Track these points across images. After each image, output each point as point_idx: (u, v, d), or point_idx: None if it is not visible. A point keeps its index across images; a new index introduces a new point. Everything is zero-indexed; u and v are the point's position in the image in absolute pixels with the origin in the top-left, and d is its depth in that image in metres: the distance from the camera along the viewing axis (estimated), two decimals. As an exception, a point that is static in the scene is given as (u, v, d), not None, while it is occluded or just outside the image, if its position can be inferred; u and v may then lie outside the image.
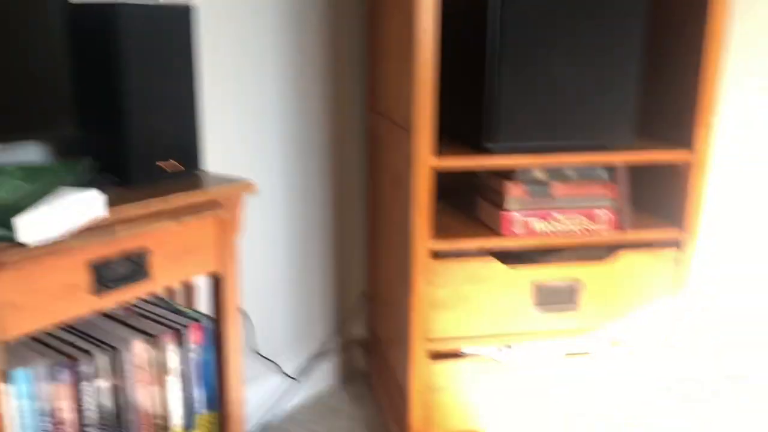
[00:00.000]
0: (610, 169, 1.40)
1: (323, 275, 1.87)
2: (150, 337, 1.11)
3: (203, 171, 1.21)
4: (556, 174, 1.37)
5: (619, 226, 1.42)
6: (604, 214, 1.40)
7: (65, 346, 1.05)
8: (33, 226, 0.85)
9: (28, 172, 0.99)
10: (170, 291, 1.33)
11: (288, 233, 1.75)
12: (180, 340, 1.15)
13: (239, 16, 1.53)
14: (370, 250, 1.85)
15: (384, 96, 1.61)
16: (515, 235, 1.38)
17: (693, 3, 1.40)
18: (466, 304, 1.41)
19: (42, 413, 0.98)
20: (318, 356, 1.90)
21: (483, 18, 1.31)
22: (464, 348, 1.46)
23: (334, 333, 1.94)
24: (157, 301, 1.27)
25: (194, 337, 1.17)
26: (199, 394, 1.21)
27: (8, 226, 0.83)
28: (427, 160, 1.32)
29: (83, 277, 0.96)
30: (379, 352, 1.80)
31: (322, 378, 1.93)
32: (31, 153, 1.19)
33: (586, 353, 1.50)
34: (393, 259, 1.58)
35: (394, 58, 1.48)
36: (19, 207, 0.85)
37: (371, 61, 1.72)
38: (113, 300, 1.01)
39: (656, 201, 1.55)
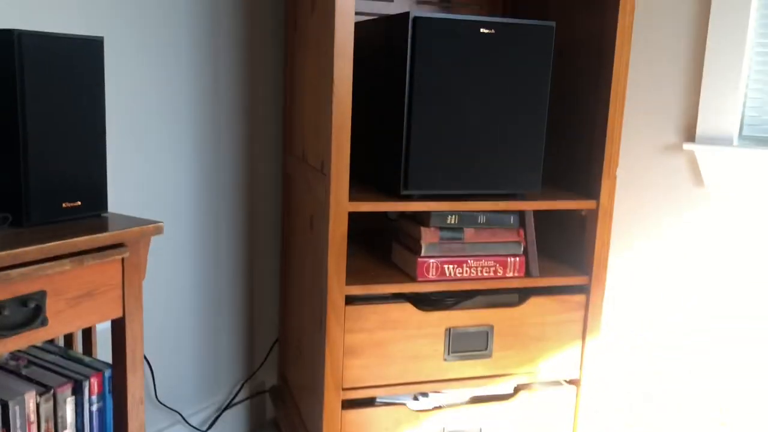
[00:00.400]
0: (519, 216, 1.44)
1: (233, 321, 1.81)
2: (45, 389, 1.03)
3: (108, 211, 1.15)
4: (468, 220, 1.40)
5: (528, 271, 1.45)
6: (513, 260, 1.43)
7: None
8: None
9: None
10: (68, 336, 1.25)
11: (196, 276, 1.69)
12: (78, 391, 1.08)
13: (151, 51, 1.50)
14: (282, 294, 1.82)
15: (300, 139, 1.60)
16: (429, 280, 1.39)
17: (597, 59, 1.48)
18: (380, 350, 1.40)
19: None
20: (226, 406, 1.83)
21: (395, 65, 1.33)
22: (378, 396, 1.44)
23: (244, 381, 1.88)
24: (54, 349, 1.18)
25: (94, 388, 1.10)
26: (96, 450, 1.13)
27: None
28: (343, 204, 1.31)
29: (-30, 324, 0.88)
30: (290, 401, 1.75)
31: (229, 429, 1.85)
32: None
33: (500, 399, 1.51)
34: (306, 304, 1.55)
35: (311, 101, 1.48)
36: None
37: (288, 103, 1.72)
38: (3, 348, 0.93)
39: (562, 248, 1.61)
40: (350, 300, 1.38)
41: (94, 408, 1.11)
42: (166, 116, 1.55)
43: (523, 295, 1.49)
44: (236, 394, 1.85)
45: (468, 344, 1.45)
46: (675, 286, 1.75)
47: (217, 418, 1.80)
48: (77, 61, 1.07)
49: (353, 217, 1.67)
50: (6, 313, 0.92)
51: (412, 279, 1.40)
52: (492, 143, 1.37)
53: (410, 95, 1.31)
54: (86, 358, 1.15)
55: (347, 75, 1.27)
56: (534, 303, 1.47)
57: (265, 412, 1.95)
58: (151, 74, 1.50)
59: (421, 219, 1.40)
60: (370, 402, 1.44)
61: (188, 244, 1.65)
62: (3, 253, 0.89)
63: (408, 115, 1.32)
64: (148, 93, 1.50)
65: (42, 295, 0.97)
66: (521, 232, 1.44)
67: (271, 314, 1.90)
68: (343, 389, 1.39)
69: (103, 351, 1.39)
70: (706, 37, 1.63)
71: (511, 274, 1.43)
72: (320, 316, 1.40)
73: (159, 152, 1.54)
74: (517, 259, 1.43)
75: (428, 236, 1.38)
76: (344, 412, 1.40)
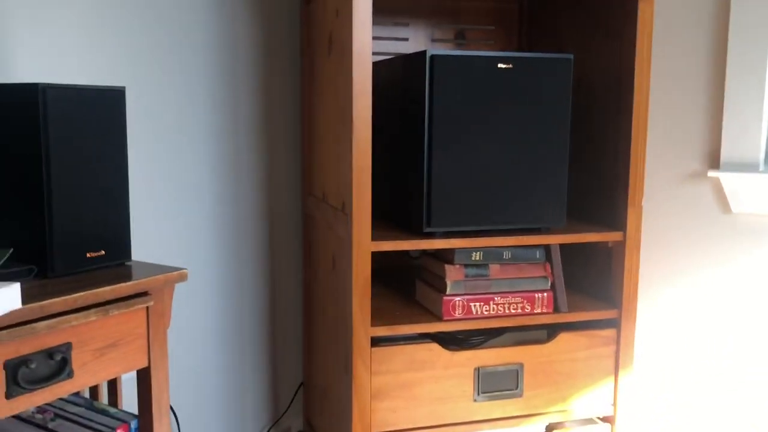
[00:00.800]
0: (545, 250, 1.41)
1: (257, 366, 1.79)
2: (70, 443, 1.02)
3: (131, 260, 1.15)
4: (493, 256, 1.38)
5: (556, 306, 1.42)
6: (541, 295, 1.40)
7: (-29, 457, 0.95)
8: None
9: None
10: (93, 387, 1.24)
11: (219, 322, 1.68)
12: (103, 443, 1.06)
13: (171, 99, 1.51)
14: (306, 336, 1.80)
15: (320, 179, 1.60)
16: (455, 318, 1.37)
17: (616, 90, 1.47)
18: (408, 392, 1.37)
19: None
20: (251, 453, 1.80)
21: (414, 103, 1.33)
22: (407, 438, 1.40)
23: (269, 428, 1.85)
24: (79, 401, 1.17)
25: (119, 440, 1.08)
26: (122, 504, 1.10)
27: None
28: (365, 244, 1.30)
29: (-4, 379, 0.88)
30: (316, 446, 1.72)
31: (256, 476, 1.82)
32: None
33: (530, 438, 1.47)
34: (331, 346, 1.53)
35: (330, 142, 1.48)
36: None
37: (306, 144, 1.72)
38: (30, 402, 0.92)
39: (590, 281, 1.58)
40: (376, 341, 1.36)
41: (121, 461, 1.09)
42: (187, 162, 1.55)
43: (551, 331, 1.46)
44: (262, 440, 1.82)
45: (498, 384, 1.41)
46: (705, 315, 1.71)
47: (243, 465, 1.77)
48: (100, 112, 1.08)
49: (374, 255, 1.65)
50: (33, 366, 0.91)
51: (438, 318, 1.37)
52: (514, 178, 1.36)
53: (430, 133, 1.31)
54: (112, 410, 1.14)
55: (366, 116, 1.27)
56: (564, 339, 1.44)
57: (291, 457, 1.91)
58: (171, 121, 1.51)
59: (445, 256, 1.38)
60: (399, 446, 1.41)
61: (210, 290, 1.64)
62: (29, 306, 0.89)
63: (428, 152, 1.31)
64: (168, 140, 1.51)
65: (68, 347, 0.96)
66: (547, 266, 1.41)
67: (294, 357, 1.88)
68: (372, 433, 1.36)
69: (129, 401, 1.37)
70: (726, 62, 1.62)
71: (539, 310, 1.41)
72: (345, 358, 1.38)
73: (180, 198, 1.55)
74: (545, 294, 1.40)
75: (453, 274, 1.36)
76: (373, 457, 1.37)
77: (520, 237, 1.37)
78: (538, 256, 1.40)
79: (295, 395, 1.88)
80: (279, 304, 1.83)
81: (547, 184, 1.38)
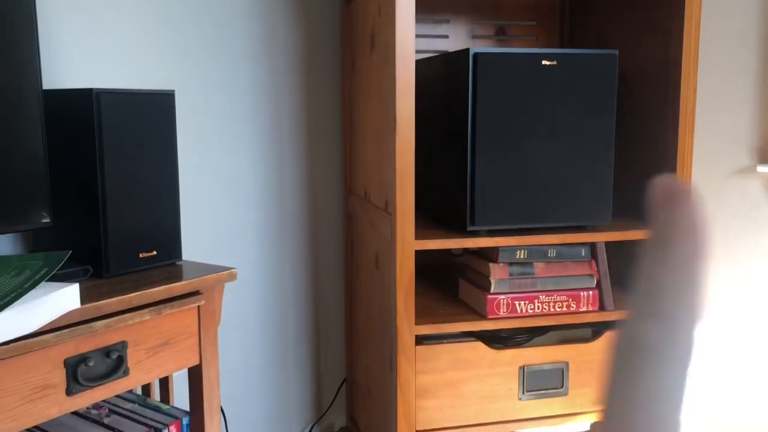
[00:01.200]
0: (591, 248, 1.40)
1: (301, 363, 1.81)
2: (127, 438, 1.04)
3: (182, 259, 1.17)
4: (538, 254, 1.37)
5: (602, 305, 1.41)
6: (586, 293, 1.39)
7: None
8: (6, 322, 0.80)
9: (2, 264, 0.95)
10: (146, 384, 1.26)
11: (263, 320, 1.70)
12: (157, 439, 1.09)
13: (215, 101, 1.53)
14: (348, 334, 1.81)
15: (362, 178, 1.61)
16: (500, 317, 1.36)
17: (663, 85, 1.45)
18: (453, 391, 1.37)
19: None
20: (296, 448, 1.82)
21: (457, 101, 1.33)
22: (452, 436, 1.41)
23: (313, 424, 1.87)
24: (132, 397, 1.20)
25: (172, 436, 1.11)
26: (176, 498, 1.13)
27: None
28: (409, 242, 1.30)
29: (57, 376, 0.90)
30: (360, 442, 1.73)
31: (300, 472, 1.84)
32: (4, 243, 1.15)
33: (575, 437, 1.46)
34: (374, 344, 1.54)
35: (372, 141, 1.48)
36: (-7, 304, 0.81)
37: (348, 142, 1.73)
38: (89, 399, 0.95)
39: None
40: (420, 340, 1.36)
41: (174, 456, 1.12)
42: (231, 163, 1.58)
43: (597, 329, 1.45)
44: (306, 436, 1.84)
45: (543, 382, 1.41)
46: (754, 310, 1.67)
47: (287, 460, 1.79)
48: (151, 115, 1.10)
49: (417, 253, 1.66)
50: (91, 364, 0.94)
51: (482, 316, 1.37)
52: (559, 175, 1.34)
53: (473, 130, 1.30)
54: (164, 406, 1.16)
55: (410, 114, 1.27)
56: (609, 337, 1.43)
57: (334, 453, 1.93)
58: (216, 123, 1.53)
59: (489, 255, 1.38)
60: (443, 444, 1.41)
61: (254, 288, 1.67)
62: (87, 306, 0.91)
63: (472, 150, 1.31)
64: (214, 141, 1.53)
65: (123, 345, 0.98)
66: (593, 264, 1.40)
67: (338, 355, 1.90)
68: (416, 431, 1.37)
69: (180, 397, 1.40)
70: (775, 56, 1.58)
71: (584, 309, 1.40)
72: (389, 356, 1.38)
73: (225, 198, 1.57)
74: (591, 292, 1.39)
75: (497, 272, 1.35)
76: (418, 454, 1.37)
77: (566, 235, 1.36)
78: (583, 254, 1.39)
79: (338, 392, 1.90)
80: (322, 301, 1.84)
81: (593, 182, 1.36)
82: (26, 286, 0.85)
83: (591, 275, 1.39)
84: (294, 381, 1.80)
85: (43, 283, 0.88)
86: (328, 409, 1.89)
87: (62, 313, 0.88)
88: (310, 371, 1.84)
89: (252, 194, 1.63)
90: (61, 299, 0.88)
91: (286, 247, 1.73)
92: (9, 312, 0.80)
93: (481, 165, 1.31)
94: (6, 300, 0.82)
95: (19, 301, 0.82)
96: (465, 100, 1.30)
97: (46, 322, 0.85)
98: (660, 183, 0.26)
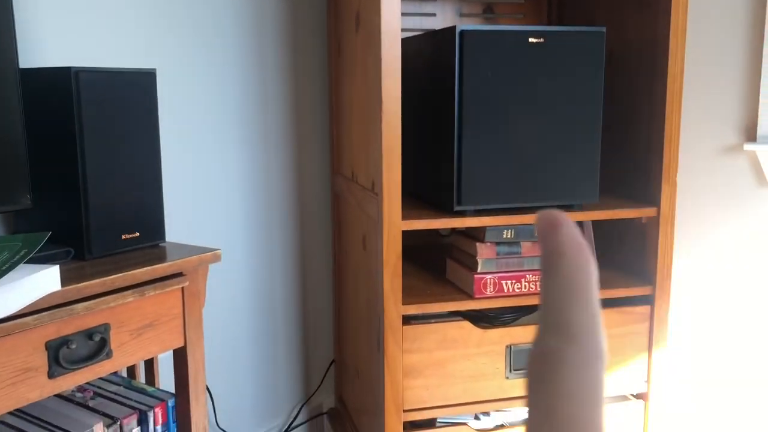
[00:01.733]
0: (578, 227, 1.40)
1: (288, 344, 1.81)
2: (112, 421, 1.04)
3: (165, 241, 1.16)
4: (525, 234, 1.37)
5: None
6: (574, 272, 1.39)
7: (17, 435, 0.97)
8: (-15, 306, 0.79)
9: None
10: (131, 367, 1.26)
11: (250, 302, 1.69)
12: (143, 421, 1.08)
13: (199, 80, 1.51)
14: (336, 315, 1.81)
15: (349, 158, 1.59)
16: (487, 296, 1.36)
17: (650, 63, 1.44)
18: (440, 370, 1.37)
19: None
20: (285, 430, 1.82)
21: (444, 80, 1.32)
22: (439, 417, 1.41)
23: (302, 404, 1.87)
24: (117, 380, 1.19)
25: (158, 418, 1.10)
26: (162, 480, 1.13)
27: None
28: (396, 223, 1.30)
29: (39, 359, 0.89)
30: (348, 423, 1.73)
31: (290, 452, 1.84)
32: (-19, 226, 1.13)
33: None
34: (362, 325, 1.54)
35: (359, 121, 1.47)
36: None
37: (335, 123, 1.72)
38: (72, 381, 0.94)
39: (623, 257, 1.56)
40: (407, 320, 1.36)
41: (160, 438, 1.11)
42: (216, 143, 1.56)
43: (584, 308, 1.45)
44: (295, 418, 1.84)
45: (530, 361, 1.41)
46: (740, 290, 1.68)
47: (276, 441, 1.79)
48: (132, 94, 1.08)
49: (404, 233, 1.65)
50: (73, 346, 0.93)
51: (469, 296, 1.37)
52: (546, 154, 1.34)
53: (460, 109, 1.29)
54: (149, 388, 1.16)
55: (395, 94, 1.26)
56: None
57: (323, 434, 1.94)
58: (200, 102, 1.51)
59: (476, 234, 1.38)
60: (431, 423, 1.42)
61: (241, 270, 1.66)
62: (68, 288, 0.90)
63: (458, 129, 1.30)
64: (197, 121, 1.51)
65: (106, 327, 0.97)
66: (580, 243, 1.40)
67: (326, 335, 1.89)
68: (404, 411, 1.37)
69: (165, 379, 1.40)
70: (763, 34, 1.58)
71: (571, 287, 1.39)
72: (377, 336, 1.38)
73: (210, 178, 1.55)
74: (577, 271, 1.39)
75: (484, 252, 1.35)
76: (406, 434, 1.38)
77: (552, 214, 1.35)
78: (570, 233, 1.38)
79: (326, 373, 1.90)
80: (310, 283, 1.84)
81: (580, 160, 1.36)
82: (4, 268, 0.84)
83: (578, 254, 1.39)
84: (282, 362, 1.80)
85: (22, 265, 0.87)
86: (316, 390, 1.89)
87: (42, 296, 0.87)
88: (299, 352, 1.84)
89: (238, 175, 1.62)
90: (40, 281, 0.86)
91: (273, 228, 1.71)
92: (-13, 294, 0.79)
93: (468, 144, 1.30)
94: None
95: (-3, 283, 0.81)
96: (452, 78, 1.29)
97: (26, 305, 0.84)
98: (543, 215, 0.30)
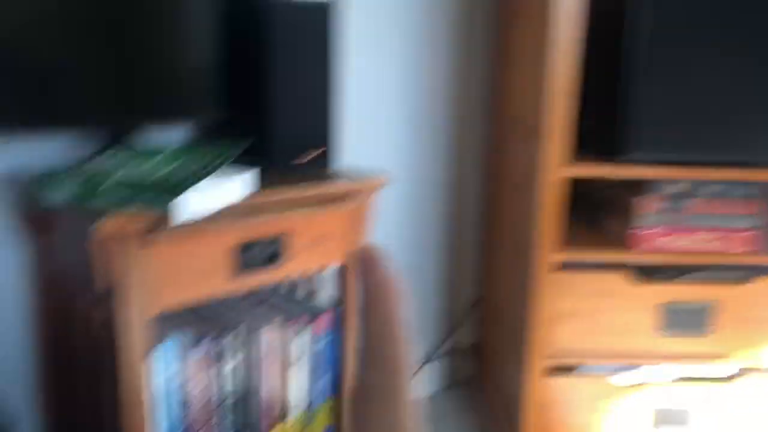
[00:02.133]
0: (754, 187, 1.32)
1: (435, 279, 1.87)
2: (283, 322, 1.14)
3: (340, 164, 1.23)
4: (697, 189, 1.31)
5: (762, 247, 1.34)
6: (745, 234, 1.32)
7: (199, 325, 1.09)
8: (187, 203, 0.89)
9: (183, 152, 1.04)
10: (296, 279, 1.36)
11: (403, 234, 1.76)
12: (310, 327, 1.18)
13: (375, 17, 1.56)
14: (485, 254, 1.83)
15: (512, 101, 1.59)
16: (647, 250, 1.33)
17: None
18: (588, 319, 1.37)
19: (175, 389, 1.02)
20: (425, 361, 1.90)
21: (627, 21, 1.27)
22: (583, 366, 1.41)
23: (444, 338, 1.93)
24: (287, 287, 1.30)
25: (323, 325, 1.20)
26: (323, 381, 1.23)
27: (165, 203, 0.87)
28: (558, 168, 1.29)
29: (227, 258, 1.00)
30: (487, 361, 1.77)
31: (427, 383, 1.92)
32: (178, 135, 1.26)
33: (714, 381, 1.42)
34: (512, 267, 1.55)
35: (527, 63, 1.46)
36: (175, 185, 0.89)
37: (499, 64, 1.71)
38: (253, 282, 1.04)
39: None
40: (560, 266, 1.36)
41: (323, 342, 1.21)
42: (389, 76, 1.61)
43: (751, 274, 1.38)
44: (436, 350, 1.91)
45: (684, 321, 1.37)
46: None
47: (415, 372, 1.88)
48: (314, 25, 1.15)
49: (565, 180, 1.63)
50: (255, 251, 1.02)
51: (628, 248, 1.34)
52: (737, 104, 1.26)
53: (635, 46, 1.24)
54: (316, 298, 1.25)
55: (570, 34, 1.23)
56: (765, 282, 1.36)
57: (462, 369, 2.00)
58: (373, 36, 1.56)
59: (642, 186, 1.34)
60: (570, 370, 1.42)
61: (397, 204, 1.72)
62: (256, 196, 0.99)
63: (633, 70, 1.25)
64: (369, 54, 1.57)
65: (285, 236, 1.06)
66: (757, 204, 1.32)
67: (472, 273, 1.93)
68: (547, 356, 1.38)
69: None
70: None
71: (740, 250, 1.33)
72: (527, 280, 1.40)
73: (382, 110, 1.61)
74: (750, 233, 1.32)
75: (649, 205, 1.31)
76: (546, 379, 1.40)
77: (731, 171, 1.29)
78: (745, 194, 1.31)
79: (471, 310, 1.94)
80: (460, 220, 1.87)
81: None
82: (208, 169, 0.93)
83: (753, 215, 1.32)
84: (429, 295, 1.86)
85: (222, 171, 0.97)
86: (459, 326, 1.95)
87: (241, 197, 0.96)
88: (445, 288, 1.89)
89: (402, 107, 1.66)
90: (237, 186, 0.96)
91: (429, 163, 1.75)
92: (191, 194, 0.89)
93: (646, 88, 1.25)
94: (187, 181, 0.90)
95: (199, 185, 0.91)
96: (636, 17, 1.24)
97: (224, 205, 0.94)
98: (363, 251, 0.33)
